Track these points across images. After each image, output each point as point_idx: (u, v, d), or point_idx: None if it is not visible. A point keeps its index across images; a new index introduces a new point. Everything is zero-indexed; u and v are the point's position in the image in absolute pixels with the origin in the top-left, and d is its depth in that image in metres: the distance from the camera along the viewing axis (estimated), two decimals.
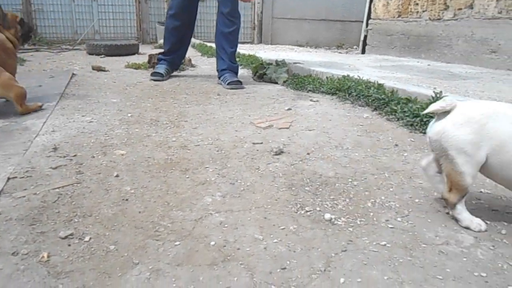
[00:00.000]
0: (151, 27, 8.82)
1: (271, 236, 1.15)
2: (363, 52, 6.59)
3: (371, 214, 1.30)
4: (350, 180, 1.56)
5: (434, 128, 1.23)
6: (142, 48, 6.82)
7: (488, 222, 1.25)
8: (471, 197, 1.42)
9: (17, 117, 2.27)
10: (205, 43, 7.02)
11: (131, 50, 6.13)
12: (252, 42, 9.55)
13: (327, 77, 3.23)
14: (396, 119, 2.32)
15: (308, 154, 1.82)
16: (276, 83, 3.63)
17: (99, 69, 4.26)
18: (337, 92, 2.93)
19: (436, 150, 1.24)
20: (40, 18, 7.97)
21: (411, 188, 1.50)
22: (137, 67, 4.51)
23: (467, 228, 1.22)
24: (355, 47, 8.34)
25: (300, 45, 9.13)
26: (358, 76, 2.97)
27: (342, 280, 0.96)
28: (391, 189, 1.49)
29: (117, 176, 1.53)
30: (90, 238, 1.11)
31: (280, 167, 1.67)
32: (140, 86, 3.39)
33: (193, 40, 7.81)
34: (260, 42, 9.56)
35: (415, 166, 1.70)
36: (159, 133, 2.08)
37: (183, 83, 3.58)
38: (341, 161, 1.75)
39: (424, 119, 2.10)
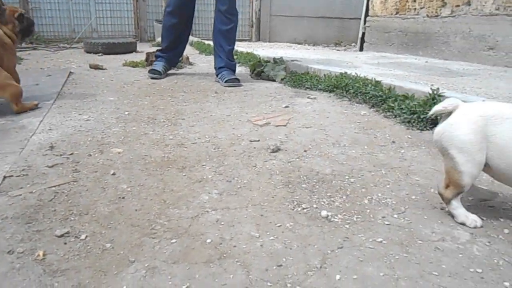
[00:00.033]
0: (149, 25, 8.79)
1: (268, 233, 1.15)
2: (361, 49, 6.58)
3: (368, 211, 1.30)
4: (347, 177, 1.56)
5: (436, 128, 1.24)
6: (140, 46, 6.80)
7: (485, 218, 1.26)
8: (467, 193, 1.42)
9: (13, 116, 2.27)
10: (203, 41, 7.01)
11: (129, 48, 6.12)
12: (250, 40, 9.54)
13: (324, 75, 3.22)
14: (393, 116, 2.32)
15: (305, 151, 1.82)
16: (274, 80, 3.63)
17: (96, 67, 4.25)
18: (335, 89, 2.93)
19: (439, 149, 1.25)
20: (37, 17, 7.93)
21: (408, 185, 1.50)
22: (134, 65, 4.50)
23: (463, 224, 1.22)
24: (353, 44, 8.34)
25: (298, 43, 9.11)
26: (355, 73, 2.96)
27: (338, 277, 0.96)
28: (387, 186, 1.49)
29: (113, 174, 1.53)
30: (86, 236, 1.11)
31: (277, 164, 1.67)
32: (137, 84, 3.38)
33: (191, 38, 7.79)
34: (258, 39, 9.54)
35: (412, 163, 1.70)
36: (156, 131, 2.08)
37: (181, 81, 3.57)
38: (338, 158, 1.75)
39: (421, 116, 2.11)
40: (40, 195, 1.33)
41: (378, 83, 2.66)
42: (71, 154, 1.72)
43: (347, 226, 1.21)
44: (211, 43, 4.08)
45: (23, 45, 6.09)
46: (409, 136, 2.03)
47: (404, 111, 2.23)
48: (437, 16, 5.04)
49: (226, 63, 3.56)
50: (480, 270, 1.00)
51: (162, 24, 3.86)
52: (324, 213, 1.27)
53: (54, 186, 1.40)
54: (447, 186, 1.23)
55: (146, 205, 1.30)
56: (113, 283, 0.93)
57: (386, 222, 1.23)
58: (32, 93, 2.74)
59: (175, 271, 0.97)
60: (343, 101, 2.76)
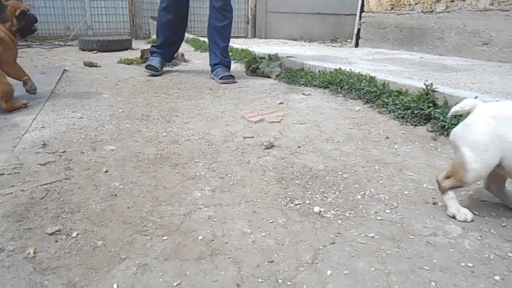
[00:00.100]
0: (144, 22, 8.75)
1: (260, 229, 1.15)
2: (356, 45, 6.58)
3: (361, 206, 1.31)
4: (340, 173, 1.56)
5: (454, 128, 1.24)
6: (135, 44, 6.77)
7: (476, 212, 1.26)
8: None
9: (6, 114, 2.25)
10: (199, 37, 6.98)
11: (124, 45, 6.09)
12: (246, 37, 9.51)
13: (319, 71, 3.22)
14: (387, 112, 2.32)
15: (299, 147, 1.82)
16: (269, 77, 3.62)
17: (91, 64, 4.23)
18: (329, 85, 2.93)
19: (453, 147, 1.24)
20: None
21: (400, 180, 1.50)
22: (129, 62, 4.49)
23: (453, 216, 1.22)
24: (349, 40, 8.33)
25: (294, 39, 9.10)
26: (350, 69, 2.96)
27: (329, 272, 0.96)
28: (380, 182, 1.49)
29: (106, 171, 1.52)
30: (78, 234, 1.11)
31: (270, 161, 1.67)
32: (132, 82, 3.37)
33: (186, 34, 7.77)
34: (254, 36, 9.52)
35: (405, 158, 1.70)
36: (150, 128, 2.07)
37: (176, 78, 3.56)
38: (332, 154, 1.75)
39: (415, 112, 2.11)
40: (32, 193, 1.33)
41: (372, 79, 2.66)
42: (64, 151, 1.71)
43: (340, 221, 1.21)
44: (206, 40, 4.06)
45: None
46: (403, 132, 2.04)
47: (398, 106, 2.23)
48: (431, 11, 5.04)
49: (221, 59, 3.55)
50: (471, 264, 1.01)
51: (157, 20, 3.83)
52: (316, 209, 1.27)
53: (46, 184, 1.40)
54: (447, 177, 1.24)
55: (138, 202, 1.30)
56: (103, 281, 0.92)
57: (379, 217, 1.23)
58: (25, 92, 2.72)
59: (167, 268, 0.97)
60: (337, 97, 2.76)
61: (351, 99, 2.67)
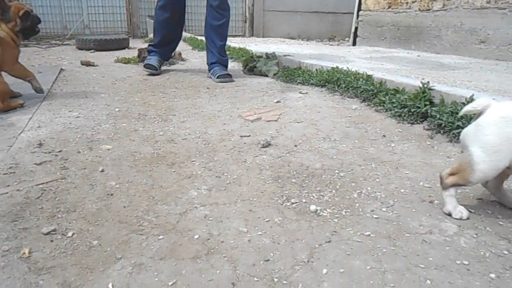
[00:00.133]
0: (142, 21, 8.73)
1: (256, 228, 1.15)
2: (354, 44, 6.58)
3: (357, 205, 1.31)
4: (337, 171, 1.56)
5: (463, 130, 1.23)
6: (133, 43, 6.76)
7: (472, 210, 1.26)
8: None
9: (2, 113, 2.25)
10: (196, 36, 6.97)
11: (121, 44, 6.08)
12: (243, 35, 9.50)
13: (316, 69, 3.22)
14: (384, 110, 2.32)
15: (295, 146, 1.82)
16: (266, 76, 3.62)
17: (88, 64, 4.23)
18: (326, 84, 2.93)
19: (461, 146, 1.24)
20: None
21: (397, 178, 1.50)
22: (126, 61, 4.48)
23: (449, 214, 1.23)
24: (346, 39, 8.33)
25: (291, 38, 9.09)
26: (347, 67, 2.96)
27: (325, 270, 0.96)
28: (377, 180, 1.49)
29: (102, 171, 1.52)
30: (73, 234, 1.11)
31: (267, 159, 1.67)
32: (129, 81, 3.36)
33: (184, 33, 7.75)
34: (251, 35, 9.51)
35: (402, 157, 1.71)
36: (147, 127, 2.07)
37: (173, 77, 3.56)
38: (329, 153, 1.75)
39: (412, 110, 2.11)
40: (27, 193, 1.32)
41: (369, 77, 2.66)
42: (60, 151, 1.71)
43: (336, 220, 1.21)
44: (204, 38, 4.05)
45: None
46: (400, 130, 2.04)
47: (395, 105, 2.23)
48: (429, 10, 5.04)
49: (218, 58, 3.54)
50: (466, 262, 1.01)
51: (154, 19, 3.82)
52: (313, 207, 1.27)
53: (42, 184, 1.39)
54: (452, 174, 1.22)
55: (135, 202, 1.29)
56: (99, 280, 0.92)
57: (375, 216, 1.23)
58: (22, 91, 2.71)
59: (162, 268, 0.97)
60: (334, 96, 2.76)
61: (348, 97, 2.67)
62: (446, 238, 1.12)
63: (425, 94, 2.12)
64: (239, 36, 9.26)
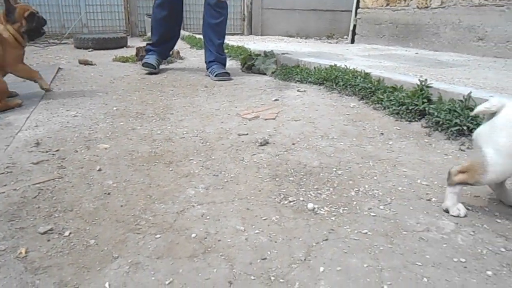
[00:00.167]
0: (140, 20, 8.71)
1: (253, 227, 1.15)
2: (352, 41, 6.57)
3: (354, 202, 1.31)
4: (334, 169, 1.56)
5: (477, 129, 1.20)
6: (131, 41, 6.74)
7: (470, 208, 1.26)
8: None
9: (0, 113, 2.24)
10: (195, 35, 6.96)
11: (120, 43, 6.06)
12: (242, 34, 9.49)
13: (315, 67, 3.21)
14: (382, 108, 2.31)
15: (293, 144, 1.82)
16: (265, 74, 3.61)
17: (86, 63, 4.21)
18: (325, 82, 2.92)
19: (474, 145, 1.21)
20: None
21: (394, 176, 1.50)
22: (124, 60, 4.46)
23: (446, 210, 1.23)
24: (345, 37, 8.32)
25: (290, 36, 9.08)
26: (345, 65, 2.96)
27: (321, 269, 0.96)
28: (375, 178, 1.49)
29: (99, 170, 1.52)
30: (70, 233, 1.10)
31: (264, 158, 1.66)
32: (127, 79, 3.35)
33: (182, 32, 7.74)
34: (250, 33, 9.50)
35: (399, 154, 1.71)
36: (144, 126, 2.06)
37: (171, 76, 3.55)
38: (326, 151, 1.74)
39: (410, 107, 2.11)
40: (24, 192, 1.32)
41: (367, 75, 2.66)
42: (57, 150, 1.70)
43: (333, 218, 1.21)
44: (202, 37, 4.05)
45: None
46: (398, 128, 2.03)
47: (392, 102, 2.23)
48: (427, 7, 5.03)
49: (216, 57, 3.53)
50: (463, 260, 1.01)
51: (151, 17, 3.81)
52: (310, 205, 1.27)
53: (39, 183, 1.39)
54: (462, 172, 1.20)
55: (132, 201, 1.29)
56: (95, 280, 0.92)
57: (372, 214, 1.23)
58: (19, 90, 2.71)
59: (159, 266, 0.97)
60: (332, 94, 2.76)
61: (346, 95, 2.67)
62: (443, 235, 1.12)
63: (423, 91, 2.12)
64: (237, 34, 9.25)
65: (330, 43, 7.19)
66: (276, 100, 2.62)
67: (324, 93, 2.79)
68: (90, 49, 5.68)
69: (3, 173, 1.46)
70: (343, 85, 2.72)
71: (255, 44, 5.74)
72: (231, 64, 4.15)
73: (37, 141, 1.80)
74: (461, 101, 1.92)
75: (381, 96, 2.34)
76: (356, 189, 1.40)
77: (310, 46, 5.68)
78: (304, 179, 1.47)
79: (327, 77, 2.90)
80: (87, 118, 2.18)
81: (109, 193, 1.34)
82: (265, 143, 1.81)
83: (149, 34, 5.56)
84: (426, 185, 1.43)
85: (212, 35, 3.55)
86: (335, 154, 1.71)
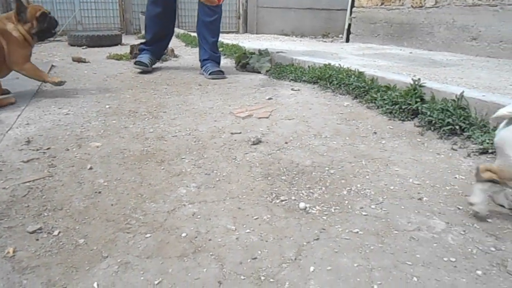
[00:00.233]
0: (135, 17, 8.68)
1: (244, 226, 1.15)
2: (347, 40, 6.58)
3: (346, 202, 1.30)
4: (327, 168, 1.56)
5: (498, 134, 1.18)
6: (125, 39, 6.71)
7: (461, 207, 1.27)
8: (445, 183, 1.44)
9: None
10: (189, 33, 6.93)
11: (114, 40, 6.04)
12: (237, 32, 9.48)
13: (309, 66, 3.21)
14: (376, 107, 2.32)
15: (286, 143, 1.82)
16: (259, 72, 3.61)
17: (79, 60, 4.19)
18: (319, 80, 2.92)
19: (497, 149, 1.20)
20: None
21: (387, 175, 1.50)
22: (118, 58, 4.45)
23: (471, 203, 1.20)
24: (340, 35, 8.33)
25: (285, 34, 9.08)
26: (339, 64, 2.96)
27: (312, 268, 0.96)
28: (367, 177, 1.49)
29: (90, 168, 1.51)
30: (59, 232, 1.09)
31: (257, 156, 1.66)
32: (120, 77, 3.33)
33: (177, 30, 7.71)
34: (245, 31, 9.48)
35: (392, 154, 1.71)
36: (137, 124, 2.05)
37: (165, 74, 3.53)
38: (319, 150, 1.74)
39: (403, 107, 2.11)
40: (13, 191, 1.31)
41: (361, 74, 2.66)
42: (48, 148, 1.69)
43: (325, 217, 1.21)
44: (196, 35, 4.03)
45: None
46: (391, 127, 2.04)
47: (386, 102, 2.23)
48: (421, 6, 5.05)
49: (210, 55, 3.52)
50: (453, 259, 1.01)
51: (145, 15, 3.78)
52: (302, 205, 1.27)
53: (29, 182, 1.38)
54: (490, 170, 1.19)
55: (123, 200, 1.28)
56: (84, 279, 0.91)
57: (364, 213, 1.23)
58: (12, 87, 2.68)
59: (148, 266, 0.96)
60: (326, 93, 2.76)
61: (340, 94, 2.67)
62: (434, 235, 1.12)
63: (416, 91, 2.13)
64: (232, 32, 9.23)
65: (325, 42, 7.19)
66: (270, 98, 2.61)
67: (318, 92, 2.79)
68: (84, 47, 5.65)
69: None
70: (337, 84, 2.72)
71: (250, 42, 5.73)
72: (226, 62, 4.14)
73: (28, 139, 1.78)
74: (454, 100, 1.92)
75: (375, 95, 2.34)
76: (348, 188, 1.40)
77: (305, 45, 5.68)
78: (296, 178, 1.47)
79: (321, 76, 2.90)
80: (79, 116, 2.16)
81: (99, 192, 1.33)
82: (258, 142, 1.80)
83: (143, 31, 5.54)
84: (418, 184, 1.43)
85: (206, 33, 3.54)
86: (328, 153, 1.71)
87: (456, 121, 1.83)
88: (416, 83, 2.16)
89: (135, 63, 3.59)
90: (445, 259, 1.01)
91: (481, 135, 1.70)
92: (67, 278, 0.92)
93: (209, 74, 3.35)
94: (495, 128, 1.72)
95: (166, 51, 4.18)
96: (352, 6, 6.39)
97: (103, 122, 2.08)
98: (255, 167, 1.56)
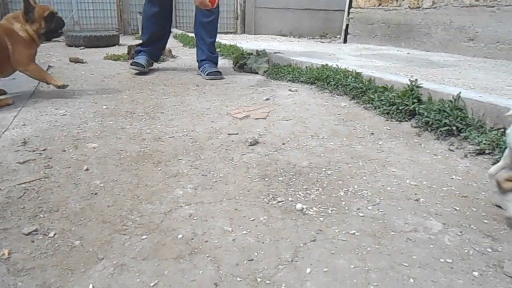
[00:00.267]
0: (132, 18, 8.66)
1: (241, 227, 1.14)
2: (345, 41, 6.58)
3: (343, 203, 1.30)
4: (324, 169, 1.56)
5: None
6: (123, 39, 6.70)
7: (457, 208, 1.27)
8: (442, 184, 1.44)
9: None
10: (187, 33, 6.93)
11: (112, 41, 6.03)
12: (235, 32, 9.47)
13: (306, 67, 3.21)
14: (373, 108, 2.32)
15: (283, 144, 1.81)
16: (257, 73, 3.60)
17: (76, 61, 4.18)
18: (316, 81, 2.92)
19: (510, 147, 1.19)
20: (16, 9, 7.75)
21: (384, 176, 1.50)
22: (116, 58, 4.44)
23: (510, 218, 1.17)
24: (338, 36, 8.33)
25: (283, 35, 9.08)
26: (337, 65, 2.96)
27: (308, 270, 0.96)
28: (364, 178, 1.49)
29: (87, 169, 1.50)
30: (55, 234, 1.09)
31: (254, 157, 1.66)
32: (118, 78, 3.33)
33: (175, 30, 7.71)
34: (243, 32, 9.48)
35: (389, 154, 1.71)
36: (134, 125, 2.04)
37: (162, 74, 3.53)
38: (316, 151, 1.74)
39: (400, 107, 2.11)
40: (9, 192, 1.30)
41: (358, 74, 2.66)
42: (44, 149, 1.68)
43: (322, 218, 1.20)
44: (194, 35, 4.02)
45: None
46: (388, 128, 2.04)
47: (383, 102, 2.23)
48: (418, 7, 5.05)
49: (207, 55, 3.52)
50: (450, 260, 1.01)
51: (142, 15, 3.77)
52: (299, 206, 1.26)
53: (25, 183, 1.37)
54: (510, 179, 1.18)
55: (119, 201, 1.28)
56: (79, 281, 0.91)
57: (361, 214, 1.23)
58: (8, 88, 2.68)
59: (144, 268, 0.96)
60: (324, 93, 2.76)
61: (338, 95, 2.67)
62: (431, 236, 1.12)
63: (413, 92, 2.13)
64: (230, 33, 9.23)
65: (323, 42, 7.20)
66: (267, 99, 2.61)
67: (315, 93, 2.79)
68: (82, 47, 5.64)
69: None
70: (334, 84, 2.72)
71: (248, 43, 5.73)
72: (223, 63, 4.14)
73: (24, 140, 1.77)
74: (451, 101, 1.93)
75: (372, 96, 2.34)
76: (345, 189, 1.40)
77: (303, 46, 5.68)
78: (294, 179, 1.46)
79: (319, 77, 2.90)
80: (76, 117, 2.16)
81: (96, 193, 1.32)
82: (255, 142, 1.80)
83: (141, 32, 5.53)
84: (415, 185, 1.43)
85: (203, 34, 3.53)
86: (325, 154, 1.71)
87: (453, 122, 1.83)
88: (413, 83, 2.16)
89: (131, 64, 3.56)
90: (442, 260, 1.01)
91: (478, 136, 1.70)
92: (62, 280, 0.91)
93: (207, 74, 3.34)
94: (491, 129, 1.73)
95: (164, 51, 4.17)
96: (350, 6, 6.40)
97: (100, 123, 2.07)
98: (252, 168, 1.56)
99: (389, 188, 1.41)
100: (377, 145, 1.82)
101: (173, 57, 4.64)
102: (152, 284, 0.90)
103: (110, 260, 0.98)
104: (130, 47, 4.42)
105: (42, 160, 1.57)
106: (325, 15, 9.72)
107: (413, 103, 2.07)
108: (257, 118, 2.19)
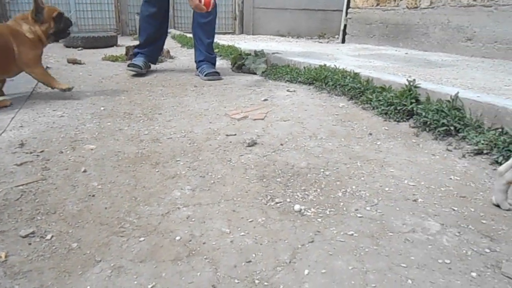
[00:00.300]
0: (130, 19, 8.66)
1: (239, 229, 1.14)
2: (343, 41, 6.59)
3: (341, 204, 1.30)
4: (322, 170, 1.56)
5: None
6: (121, 40, 6.71)
7: (456, 208, 1.27)
8: (440, 184, 1.44)
9: None
10: (185, 34, 6.93)
11: (110, 42, 6.02)
12: (233, 33, 9.47)
13: (304, 67, 3.21)
14: (371, 108, 2.32)
15: (281, 145, 1.81)
16: (255, 73, 3.60)
17: (74, 62, 4.18)
18: (314, 82, 2.92)
19: None
20: (14, 10, 7.74)
21: (382, 177, 1.50)
22: (114, 59, 4.43)
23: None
24: (336, 36, 8.33)
25: (281, 35, 9.08)
26: (335, 65, 2.96)
27: (306, 271, 0.96)
28: (362, 178, 1.49)
29: (84, 171, 1.50)
30: (52, 236, 1.08)
31: (252, 158, 1.66)
32: (116, 79, 3.32)
33: (173, 31, 7.71)
34: (241, 32, 9.48)
35: (387, 155, 1.71)
36: (132, 126, 2.04)
37: (160, 75, 3.53)
38: (314, 151, 1.74)
39: (398, 108, 2.11)
40: (6, 195, 1.30)
41: (356, 75, 2.66)
42: (42, 151, 1.68)
43: (320, 219, 1.20)
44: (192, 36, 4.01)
45: None
46: (386, 128, 2.04)
47: (381, 103, 2.23)
48: (416, 7, 5.06)
49: (206, 56, 3.51)
50: (448, 261, 1.01)
51: (139, 16, 3.75)
52: (297, 207, 1.26)
53: (22, 185, 1.37)
54: None
55: (117, 203, 1.28)
56: (77, 284, 0.90)
57: (359, 215, 1.23)
58: (6, 89, 2.67)
59: (142, 270, 0.95)
60: (322, 94, 2.76)
61: (336, 95, 2.67)
62: (429, 236, 1.12)
63: (411, 92, 2.13)
64: (229, 33, 9.23)
65: (321, 42, 7.20)
66: (265, 100, 2.61)
67: (313, 93, 2.79)
68: (80, 48, 5.64)
69: None
70: (332, 85, 2.72)
71: (246, 43, 5.73)
72: (222, 63, 4.14)
73: (21, 141, 1.77)
74: (449, 101, 1.93)
75: (370, 96, 2.34)
76: (344, 190, 1.40)
77: (301, 46, 5.68)
78: (292, 180, 1.46)
79: (317, 77, 2.90)
80: (73, 118, 2.15)
81: (93, 195, 1.32)
82: (253, 143, 1.80)
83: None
84: (413, 185, 1.43)
85: (201, 34, 3.53)
86: (323, 154, 1.71)
87: (451, 122, 1.83)
88: (411, 84, 2.16)
89: (129, 65, 3.53)
90: (440, 261, 1.01)
91: (476, 136, 1.70)
92: (59, 283, 0.91)
93: (205, 75, 3.34)
94: (489, 129, 1.73)
95: (161, 52, 4.16)
96: (348, 7, 6.40)
97: (98, 124, 2.07)
98: (250, 169, 1.55)
99: (387, 189, 1.41)
100: (375, 145, 1.82)
101: (171, 57, 4.64)
102: (149, 286, 0.90)
103: (108, 263, 0.98)
104: (128, 48, 4.42)
105: (40, 162, 1.57)
106: (323, 16, 9.73)
107: (411, 103, 2.07)
108: (255, 119, 2.18)
